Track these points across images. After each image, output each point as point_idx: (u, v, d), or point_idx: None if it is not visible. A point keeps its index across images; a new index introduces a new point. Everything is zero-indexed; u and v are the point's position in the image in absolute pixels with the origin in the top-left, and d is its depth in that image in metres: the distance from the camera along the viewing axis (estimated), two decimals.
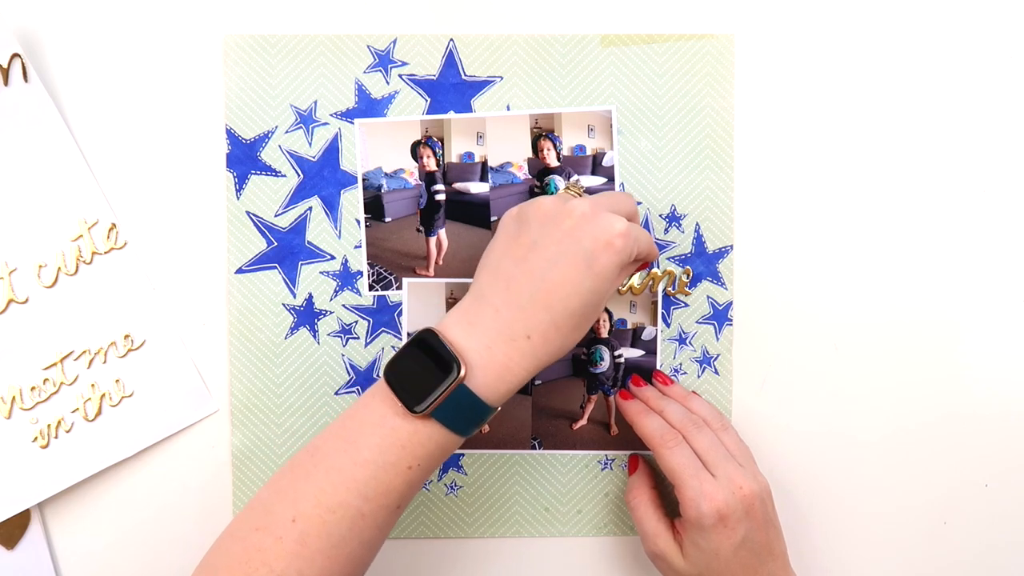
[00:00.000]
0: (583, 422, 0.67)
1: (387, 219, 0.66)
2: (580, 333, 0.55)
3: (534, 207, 0.55)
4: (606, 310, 0.67)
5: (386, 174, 0.66)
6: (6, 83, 0.63)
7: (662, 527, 0.61)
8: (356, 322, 0.66)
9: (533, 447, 0.67)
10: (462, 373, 0.52)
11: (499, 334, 0.53)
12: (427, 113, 0.66)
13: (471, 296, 0.55)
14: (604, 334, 0.67)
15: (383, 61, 0.66)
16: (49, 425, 0.64)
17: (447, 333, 0.54)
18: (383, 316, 0.67)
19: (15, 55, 0.63)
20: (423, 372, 0.53)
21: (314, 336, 0.66)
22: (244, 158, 0.66)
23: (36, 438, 0.64)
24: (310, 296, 0.66)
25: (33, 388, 0.64)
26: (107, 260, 0.65)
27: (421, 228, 0.66)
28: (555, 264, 0.53)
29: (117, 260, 0.65)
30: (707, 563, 0.59)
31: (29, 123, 0.64)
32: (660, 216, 0.66)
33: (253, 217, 0.66)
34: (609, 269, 0.53)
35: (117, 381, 0.65)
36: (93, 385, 0.65)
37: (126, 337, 0.65)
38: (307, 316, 0.66)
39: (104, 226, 0.65)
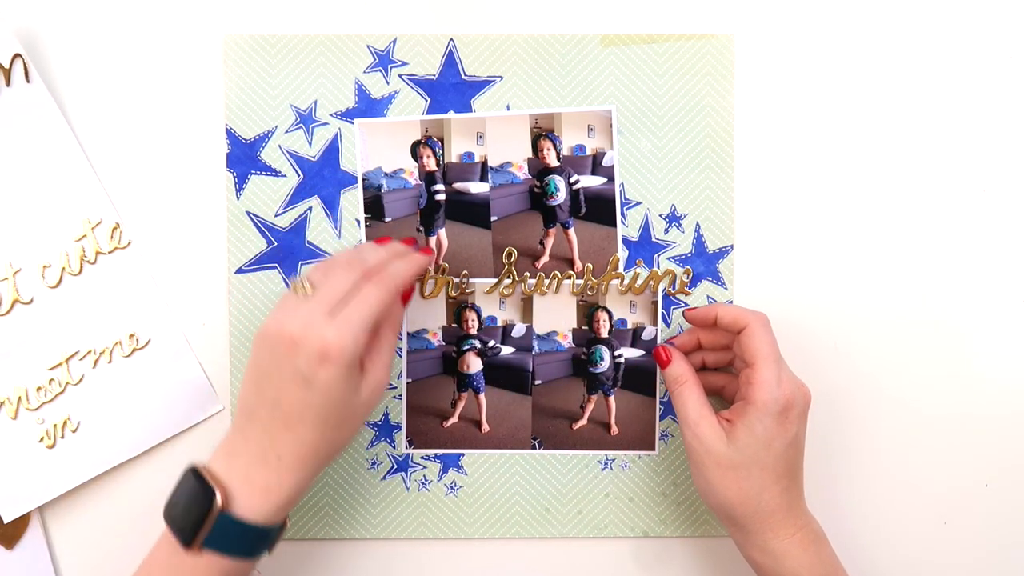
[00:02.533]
0: (583, 422, 0.67)
1: (387, 219, 0.66)
2: (339, 434, 0.56)
3: (261, 334, 0.56)
4: (606, 310, 0.67)
5: (386, 174, 0.66)
6: (8, 83, 0.63)
7: (707, 411, 0.60)
8: None
9: (533, 447, 0.67)
10: (218, 503, 0.54)
11: (254, 460, 0.55)
12: (427, 113, 0.66)
13: (233, 428, 0.58)
14: (604, 334, 0.67)
15: (383, 61, 0.66)
16: (55, 425, 0.64)
17: (211, 467, 0.56)
18: None
19: (17, 55, 0.63)
20: (193, 506, 0.55)
21: None
22: (244, 158, 0.66)
23: (42, 438, 0.64)
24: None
25: (39, 388, 0.64)
26: (111, 260, 0.65)
27: (421, 228, 0.66)
28: (282, 390, 0.55)
29: (121, 260, 0.65)
30: (755, 452, 0.58)
31: (31, 123, 0.64)
32: (660, 216, 0.66)
33: (253, 217, 0.66)
34: (331, 380, 0.54)
35: (123, 381, 0.65)
36: (99, 385, 0.65)
37: (131, 337, 0.65)
38: None
39: (108, 226, 0.65)
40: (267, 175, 0.66)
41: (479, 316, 0.67)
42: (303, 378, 0.54)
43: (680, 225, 0.67)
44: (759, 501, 0.58)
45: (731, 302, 0.67)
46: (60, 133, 0.64)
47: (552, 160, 0.66)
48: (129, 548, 0.66)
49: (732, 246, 0.67)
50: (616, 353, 0.67)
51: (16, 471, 0.64)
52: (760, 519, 0.58)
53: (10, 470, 0.64)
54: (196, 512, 0.54)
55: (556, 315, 0.67)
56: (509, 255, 0.66)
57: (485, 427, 0.67)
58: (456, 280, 0.66)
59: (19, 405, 0.64)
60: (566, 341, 0.67)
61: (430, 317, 0.67)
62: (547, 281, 0.66)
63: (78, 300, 0.65)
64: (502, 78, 0.66)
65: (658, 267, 0.67)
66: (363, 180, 0.66)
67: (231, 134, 0.66)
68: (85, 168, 0.65)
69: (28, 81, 0.64)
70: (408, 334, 0.67)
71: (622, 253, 0.67)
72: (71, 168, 0.65)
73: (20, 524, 0.64)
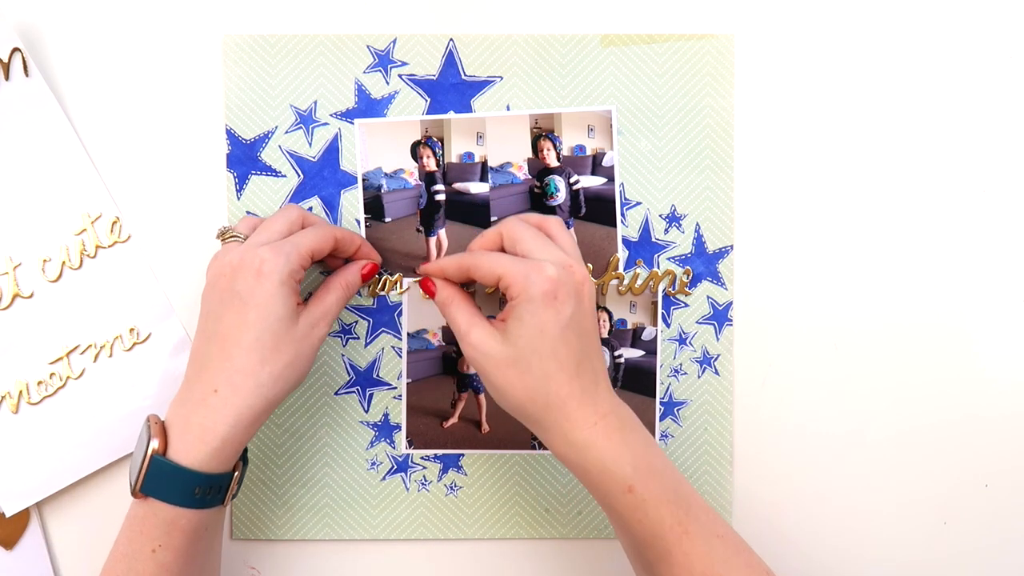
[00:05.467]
0: None
1: (387, 219, 0.66)
2: (276, 360, 0.56)
3: (207, 281, 0.58)
4: (606, 310, 0.67)
5: (386, 174, 0.66)
6: (7, 78, 0.63)
7: (478, 318, 0.58)
8: (356, 322, 0.66)
9: (533, 447, 0.67)
10: (152, 446, 0.55)
11: (194, 402, 0.56)
12: (427, 113, 0.66)
13: (184, 377, 0.58)
14: (604, 335, 0.67)
15: (383, 61, 0.66)
16: (56, 419, 0.64)
17: (165, 415, 0.57)
18: (383, 316, 0.67)
19: (15, 49, 0.63)
20: (138, 453, 0.56)
21: None
22: (244, 158, 0.66)
23: (44, 432, 0.64)
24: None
25: (40, 383, 0.64)
26: (111, 253, 0.65)
27: (421, 228, 0.66)
28: (222, 318, 0.56)
29: (121, 253, 0.65)
30: (529, 342, 0.54)
31: (29, 117, 0.64)
32: (660, 216, 0.66)
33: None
34: (266, 296, 0.56)
35: (124, 375, 0.65)
36: (100, 379, 0.65)
37: (132, 331, 0.65)
38: None
39: (107, 220, 0.65)
40: (267, 175, 0.66)
41: None
42: (240, 298, 0.56)
43: (680, 225, 0.67)
44: (547, 392, 0.55)
45: (731, 303, 0.67)
46: (59, 128, 0.64)
47: (552, 160, 0.66)
48: None
49: (732, 246, 0.67)
50: (616, 353, 0.67)
51: (18, 465, 0.64)
52: (554, 411, 0.55)
53: (12, 464, 0.64)
54: (139, 458, 0.55)
55: None
56: None
57: (485, 427, 0.67)
58: None
59: (20, 399, 0.64)
60: None
61: (430, 317, 0.66)
62: None
63: (78, 294, 0.65)
64: (502, 78, 0.66)
65: (658, 267, 0.67)
66: (363, 180, 0.66)
67: (231, 134, 0.66)
68: (84, 162, 0.65)
69: (27, 75, 0.63)
70: (408, 334, 0.67)
71: (622, 253, 0.67)
72: (70, 162, 0.65)
73: (19, 525, 0.64)
